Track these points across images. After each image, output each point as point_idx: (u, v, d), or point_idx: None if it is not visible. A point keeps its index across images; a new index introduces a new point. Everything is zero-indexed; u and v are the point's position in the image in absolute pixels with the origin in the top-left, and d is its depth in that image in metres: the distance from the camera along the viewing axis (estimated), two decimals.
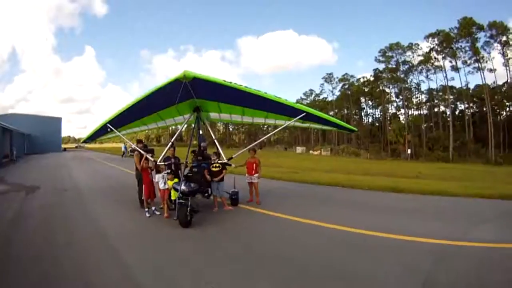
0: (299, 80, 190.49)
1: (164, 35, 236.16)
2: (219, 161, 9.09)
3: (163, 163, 8.46)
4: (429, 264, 5.10)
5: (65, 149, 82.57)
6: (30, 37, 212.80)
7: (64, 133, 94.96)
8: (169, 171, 8.43)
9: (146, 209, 8.52)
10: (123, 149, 46.81)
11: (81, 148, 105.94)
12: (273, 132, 10.92)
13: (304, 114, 8.49)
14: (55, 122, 77.70)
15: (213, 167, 9.02)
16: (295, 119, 8.93)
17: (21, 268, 5.09)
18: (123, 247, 6.07)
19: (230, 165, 9.13)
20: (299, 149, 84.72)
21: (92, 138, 11.67)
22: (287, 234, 6.98)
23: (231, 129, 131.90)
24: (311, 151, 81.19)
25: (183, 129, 10.84)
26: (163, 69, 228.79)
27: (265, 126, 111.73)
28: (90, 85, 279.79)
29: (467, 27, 61.54)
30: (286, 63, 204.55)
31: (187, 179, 8.01)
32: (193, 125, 10.92)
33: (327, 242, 6.41)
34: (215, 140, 9.56)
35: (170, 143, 9.08)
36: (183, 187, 7.62)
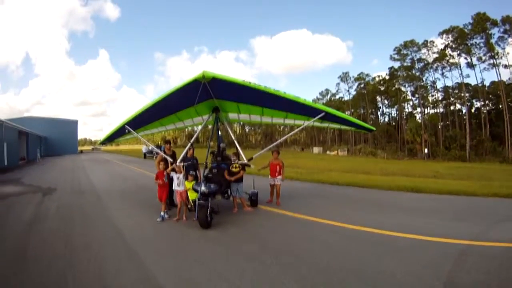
0: (315, 80, 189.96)
1: (178, 37, 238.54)
2: (239, 162, 9.02)
3: (182, 164, 8.42)
4: (450, 264, 5.07)
5: (81, 151, 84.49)
6: (44, 41, 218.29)
7: (80, 136, 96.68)
8: (194, 173, 8.40)
9: (162, 212, 8.38)
10: (144, 150, 47.43)
11: (97, 150, 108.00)
12: (293, 132, 10.73)
13: (324, 113, 8.47)
14: (71, 125, 79.19)
15: (232, 167, 8.92)
16: (314, 119, 8.88)
17: (37, 270, 5.07)
18: (142, 249, 6.02)
19: (249, 166, 9.05)
20: (316, 150, 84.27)
21: (110, 139, 11.57)
22: (307, 234, 6.93)
23: (247, 130, 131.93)
24: (328, 152, 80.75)
25: (200, 130, 10.79)
26: (178, 71, 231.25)
27: (281, 127, 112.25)
28: (105, 88, 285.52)
29: (481, 22, 60.21)
30: (301, 62, 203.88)
31: (207, 180, 7.98)
32: (210, 126, 10.90)
33: (347, 242, 6.37)
34: (235, 141, 9.51)
35: (190, 144, 9.07)
36: (203, 188, 7.58)
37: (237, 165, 8.91)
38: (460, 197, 11.54)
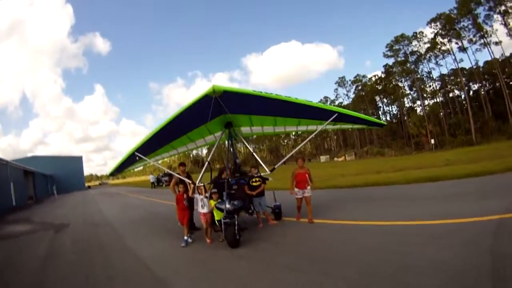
0: (312, 89, 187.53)
1: (170, 65, 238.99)
2: (261, 174, 8.70)
3: (202, 184, 8.04)
4: (490, 239, 5.11)
5: (89, 187, 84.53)
6: (39, 81, 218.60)
7: (85, 172, 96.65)
8: (215, 190, 8.07)
9: (185, 237, 7.99)
10: (151, 180, 46.96)
11: (105, 184, 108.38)
12: (308, 138, 10.43)
13: (336, 114, 8.41)
14: (76, 161, 79.65)
15: (252, 182, 8.57)
16: (327, 121, 8.77)
17: None
18: (172, 276, 5.60)
19: (268, 179, 8.78)
20: (323, 158, 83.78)
21: (120, 169, 11.16)
22: (341, 237, 6.75)
23: (251, 149, 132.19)
24: (335, 158, 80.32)
25: (212, 149, 10.38)
26: (174, 98, 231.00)
27: (286, 141, 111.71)
28: (105, 122, 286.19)
29: (466, 4, 60.95)
30: (295, 74, 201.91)
31: (230, 197, 7.71)
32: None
33: (384, 238, 6.20)
34: (254, 153, 9.28)
35: (207, 163, 8.85)
36: (227, 205, 7.30)
37: (257, 179, 8.62)
38: (479, 178, 11.77)
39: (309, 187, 8.69)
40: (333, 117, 8.45)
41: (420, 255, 4.95)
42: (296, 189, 8.72)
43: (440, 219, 6.73)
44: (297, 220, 8.85)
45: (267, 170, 8.45)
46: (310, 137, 10.14)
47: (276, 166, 8.62)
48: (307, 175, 8.66)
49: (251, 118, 9.41)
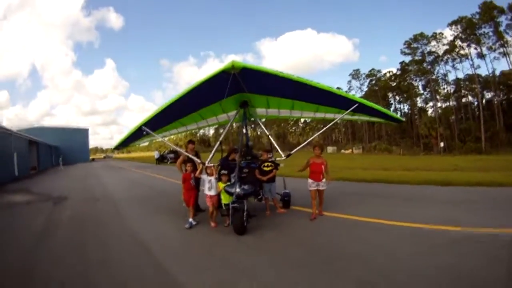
0: (324, 79, 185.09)
1: (183, 43, 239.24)
2: (276, 159, 8.30)
3: (212, 165, 7.66)
4: (506, 251, 4.93)
5: (93, 159, 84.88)
6: (50, 53, 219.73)
7: (91, 145, 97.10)
8: (225, 172, 7.67)
9: (190, 219, 7.62)
10: (156, 156, 46.90)
11: (109, 158, 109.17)
12: (326, 127, 9.92)
13: (357, 105, 7.95)
14: (82, 133, 79.60)
15: (264, 166, 8.15)
16: (347, 111, 8.30)
17: None
18: (172, 263, 5.21)
19: (279, 164, 8.38)
20: (330, 149, 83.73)
21: (126, 143, 10.57)
22: (352, 234, 6.42)
23: (259, 133, 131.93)
24: (342, 151, 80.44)
25: (225, 128, 9.90)
26: (185, 76, 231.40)
27: (293, 128, 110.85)
28: (113, 97, 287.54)
29: (489, 11, 59.74)
30: (308, 62, 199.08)
31: (240, 181, 7.28)
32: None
33: (397, 239, 5.93)
34: (270, 136, 8.87)
35: (219, 143, 8.44)
36: (238, 189, 6.85)
37: (269, 164, 8.20)
38: (489, 189, 11.27)
39: (324, 180, 7.84)
40: (354, 107, 8.02)
41: (434, 260, 4.74)
42: (310, 180, 7.85)
43: (453, 225, 6.47)
44: (312, 220, 7.63)
45: (283, 156, 7.97)
46: (329, 125, 9.53)
47: (292, 152, 8.13)
48: (323, 166, 7.79)
49: (268, 99, 8.95)
